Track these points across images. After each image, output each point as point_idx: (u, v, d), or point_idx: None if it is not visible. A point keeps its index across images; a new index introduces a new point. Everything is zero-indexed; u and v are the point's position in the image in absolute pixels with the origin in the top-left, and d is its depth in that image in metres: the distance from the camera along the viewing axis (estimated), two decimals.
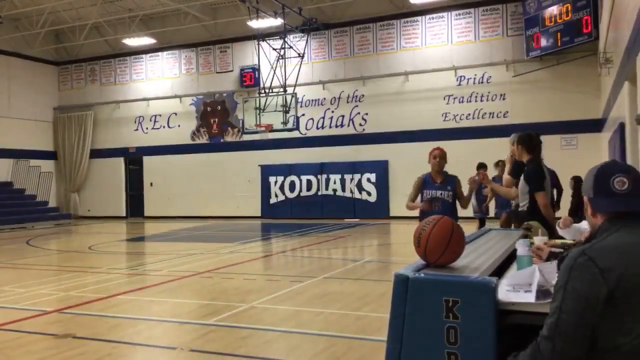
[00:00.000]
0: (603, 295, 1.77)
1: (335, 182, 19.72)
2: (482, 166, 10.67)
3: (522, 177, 5.12)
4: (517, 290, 2.24)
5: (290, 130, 18.75)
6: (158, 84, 22.49)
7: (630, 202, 1.95)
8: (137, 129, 22.94)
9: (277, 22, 18.45)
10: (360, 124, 19.48)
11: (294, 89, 18.62)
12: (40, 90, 23.44)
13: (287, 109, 18.24)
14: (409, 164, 18.51)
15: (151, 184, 22.74)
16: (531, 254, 2.79)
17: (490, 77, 17.75)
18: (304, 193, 20.15)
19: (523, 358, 1.92)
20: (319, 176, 19.91)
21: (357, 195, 19.42)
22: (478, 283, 2.23)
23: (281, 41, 18.90)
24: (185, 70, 22.09)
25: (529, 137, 5.19)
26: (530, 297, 2.15)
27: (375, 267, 9.66)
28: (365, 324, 5.70)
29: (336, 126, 19.82)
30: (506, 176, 6.00)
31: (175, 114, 22.27)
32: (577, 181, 10.64)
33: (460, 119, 18.07)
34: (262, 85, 18.95)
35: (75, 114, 23.64)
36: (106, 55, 23.24)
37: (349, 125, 19.66)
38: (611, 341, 1.79)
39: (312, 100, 20.06)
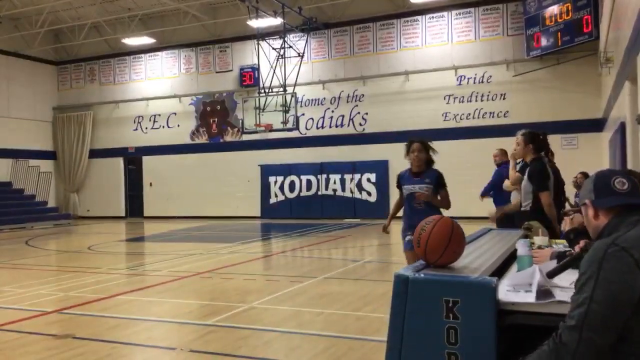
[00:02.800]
0: (639, 285, 1.74)
1: (335, 182, 19.71)
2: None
3: (525, 176, 5.10)
4: (517, 290, 2.23)
5: (290, 130, 18.74)
6: (157, 83, 22.48)
7: (634, 199, 1.98)
8: (136, 129, 22.93)
9: (277, 21, 18.44)
10: (360, 124, 19.47)
11: (294, 88, 18.61)
12: (40, 90, 23.43)
13: (286, 108, 18.22)
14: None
15: (150, 184, 22.72)
16: (532, 254, 2.78)
17: (490, 76, 17.74)
18: (304, 193, 20.13)
19: (540, 356, 1.86)
20: (319, 176, 19.90)
21: (357, 195, 19.41)
22: (478, 283, 2.22)
23: (281, 41, 18.89)
24: (185, 70, 22.08)
25: (537, 136, 5.14)
26: (530, 297, 2.15)
27: (376, 268, 9.65)
28: (365, 324, 5.69)
29: (336, 126, 19.81)
30: (514, 173, 5.97)
31: (175, 113, 22.26)
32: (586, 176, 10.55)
33: (461, 119, 18.07)
34: (261, 85, 18.94)
35: (75, 113, 23.62)
36: (105, 55, 23.22)
37: (349, 125, 19.65)
38: None
39: (312, 100, 20.05)
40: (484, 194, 9.14)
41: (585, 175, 10.59)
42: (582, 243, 2.16)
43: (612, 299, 1.74)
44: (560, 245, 3.49)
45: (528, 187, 5.02)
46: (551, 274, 2.23)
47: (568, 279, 2.39)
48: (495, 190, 8.72)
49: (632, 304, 1.74)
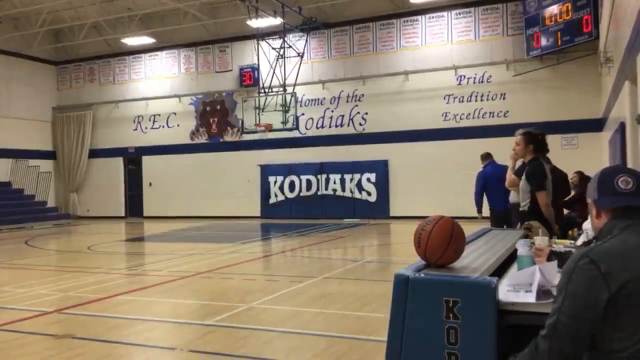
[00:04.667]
0: (604, 299, 1.76)
1: (335, 182, 19.71)
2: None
3: (523, 176, 5.10)
4: (517, 290, 2.23)
5: (289, 130, 18.74)
6: (157, 83, 22.47)
7: (635, 200, 1.93)
8: (136, 129, 22.92)
9: (277, 21, 18.43)
10: (360, 124, 19.47)
11: (294, 88, 18.61)
12: (39, 89, 23.42)
13: (286, 108, 18.23)
14: (409, 164, 18.55)
15: (150, 184, 22.72)
16: (532, 254, 2.78)
17: (490, 76, 17.74)
18: (304, 193, 20.13)
19: (522, 358, 1.93)
20: (318, 176, 19.89)
21: (357, 195, 19.41)
22: (478, 283, 2.22)
23: (281, 40, 18.89)
24: (185, 69, 22.07)
25: (537, 136, 5.13)
26: (530, 298, 2.15)
27: (376, 267, 9.65)
28: (365, 324, 5.69)
29: (336, 126, 19.81)
30: (511, 176, 5.97)
31: (175, 113, 22.25)
32: (582, 177, 10.45)
33: (461, 119, 18.06)
34: (261, 85, 18.94)
35: (74, 113, 23.62)
36: (105, 55, 23.22)
37: (348, 125, 19.65)
38: (611, 345, 1.78)
39: (312, 99, 20.05)
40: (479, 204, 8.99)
41: (580, 174, 10.54)
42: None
43: (577, 311, 1.78)
44: (561, 245, 3.49)
45: (526, 187, 5.02)
46: None
47: None
48: (486, 191, 8.72)
49: (597, 316, 1.77)
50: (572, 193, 10.01)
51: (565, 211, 9.02)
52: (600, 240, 1.93)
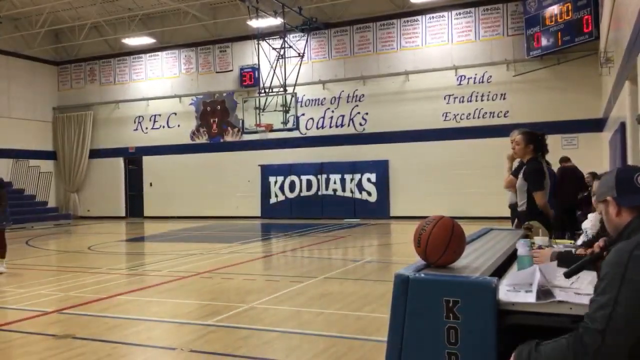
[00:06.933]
0: None
1: (335, 182, 19.71)
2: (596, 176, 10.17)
3: (520, 176, 5.08)
4: (517, 290, 2.23)
5: (290, 130, 18.75)
6: (157, 83, 22.48)
7: None
8: (136, 129, 22.93)
9: (277, 21, 18.44)
10: (361, 124, 19.47)
11: (294, 88, 18.61)
12: (40, 90, 23.43)
13: (287, 108, 18.23)
14: (409, 164, 18.55)
15: (151, 184, 22.72)
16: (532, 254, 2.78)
17: (490, 76, 17.74)
18: (304, 193, 20.13)
19: (554, 350, 1.84)
20: (319, 176, 19.89)
21: (357, 195, 19.41)
22: (478, 283, 2.22)
23: (281, 41, 18.89)
24: (185, 70, 22.08)
25: (537, 136, 5.11)
26: (530, 298, 2.14)
27: (376, 268, 9.65)
28: (365, 324, 5.69)
29: (336, 126, 19.81)
30: (508, 177, 5.96)
31: (175, 113, 22.25)
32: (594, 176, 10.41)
33: (461, 119, 18.06)
34: (262, 85, 18.94)
35: (75, 113, 23.63)
36: (105, 55, 23.23)
37: (349, 125, 19.65)
38: None
39: (312, 100, 20.05)
40: None
41: (594, 175, 10.52)
42: (601, 242, 2.11)
43: (638, 301, 1.72)
44: (561, 245, 3.50)
45: (523, 186, 5.00)
46: (569, 274, 2.19)
47: (568, 279, 2.38)
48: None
49: None
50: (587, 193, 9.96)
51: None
52: (625, 237, 1.90)
